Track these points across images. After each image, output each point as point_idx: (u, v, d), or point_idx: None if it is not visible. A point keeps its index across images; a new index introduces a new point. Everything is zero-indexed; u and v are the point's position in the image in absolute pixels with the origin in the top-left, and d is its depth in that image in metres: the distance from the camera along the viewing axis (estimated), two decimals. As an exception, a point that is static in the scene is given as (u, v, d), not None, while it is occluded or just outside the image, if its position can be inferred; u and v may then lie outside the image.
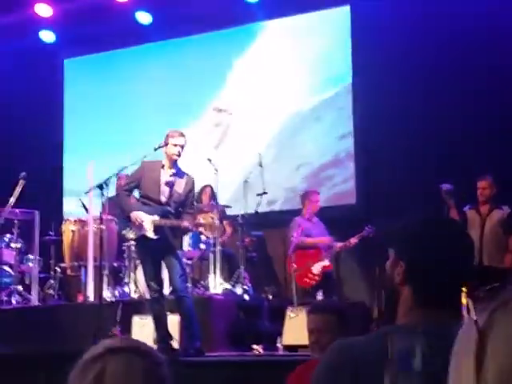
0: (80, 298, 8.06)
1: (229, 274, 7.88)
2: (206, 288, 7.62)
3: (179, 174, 6.17)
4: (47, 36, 10.44)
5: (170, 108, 9.78)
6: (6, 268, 8.35)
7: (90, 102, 10.50)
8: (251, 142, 9.21)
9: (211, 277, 7.61)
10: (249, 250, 8.03)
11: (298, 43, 9.44)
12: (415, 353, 1.47)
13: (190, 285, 7.34)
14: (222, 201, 8.09)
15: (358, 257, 8.01)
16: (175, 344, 6.24)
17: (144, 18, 9.85)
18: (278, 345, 6.56)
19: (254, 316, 7.20)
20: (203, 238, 7.87)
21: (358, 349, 1.53)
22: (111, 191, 7.09)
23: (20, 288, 8.26)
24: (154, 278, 6.11)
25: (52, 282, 8.43)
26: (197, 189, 7.10)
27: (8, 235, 8.37)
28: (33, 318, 7.62)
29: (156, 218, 6.06)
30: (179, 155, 6.11)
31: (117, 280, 8.04)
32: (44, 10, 9.96)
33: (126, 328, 6.68)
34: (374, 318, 7.13)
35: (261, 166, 7.75)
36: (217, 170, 7.70)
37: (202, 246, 7.90)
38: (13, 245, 8.37)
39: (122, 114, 10.27)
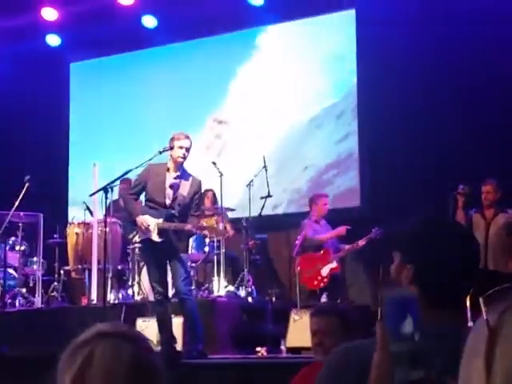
0: (84, 301, 8.07)
1: (233, 276, 7.89)
2: (210, 291, 7.63)
3: (184, 176, 6.16)
4: (53, 40, 10.47)
5: (175, 112, 9.79)
6: (11, 270, 8.37)
7: (96, 106, 10.52)
8: (255, 145, 9.22)
9: (215, 279, 7.62)
10: (253, 253, 8.02)
11: (303, 47, 9.44)
12: (419, 354, 1.47)
13: (194, 287, 7.35)
14: (226, 204, 8.09)
15: (363, 259, 7.99)
16: (178, 346, 6.24)
17: (149, 21, 9.87)
18: (282, 347, 6.56)
19: (257, 318, 7.21)
20: (207, 240, 7.88)
21: (363, 351, 1.53)
22: (115, 194, 7.10)
23: (24, 290, 8.28)
24: (158, 280, 6.10)
25: (56, 284, 8.44)
26: (201, 192, 7.10)
27: (12, 238, 8.39)
28: (37, 320, 7.62)
29: (160, 221, 6.07)
30: (185, 158, 6.09)
31: (121, 283, 8.05)
32: (50, 14, 9.99)
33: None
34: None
35: (265, 168, 7.75)
36: (221, 174, 7.71)
37: (206, 249, 7.91)
38: (17, 247, 8.39)
39: (127, 118, 10.28)
